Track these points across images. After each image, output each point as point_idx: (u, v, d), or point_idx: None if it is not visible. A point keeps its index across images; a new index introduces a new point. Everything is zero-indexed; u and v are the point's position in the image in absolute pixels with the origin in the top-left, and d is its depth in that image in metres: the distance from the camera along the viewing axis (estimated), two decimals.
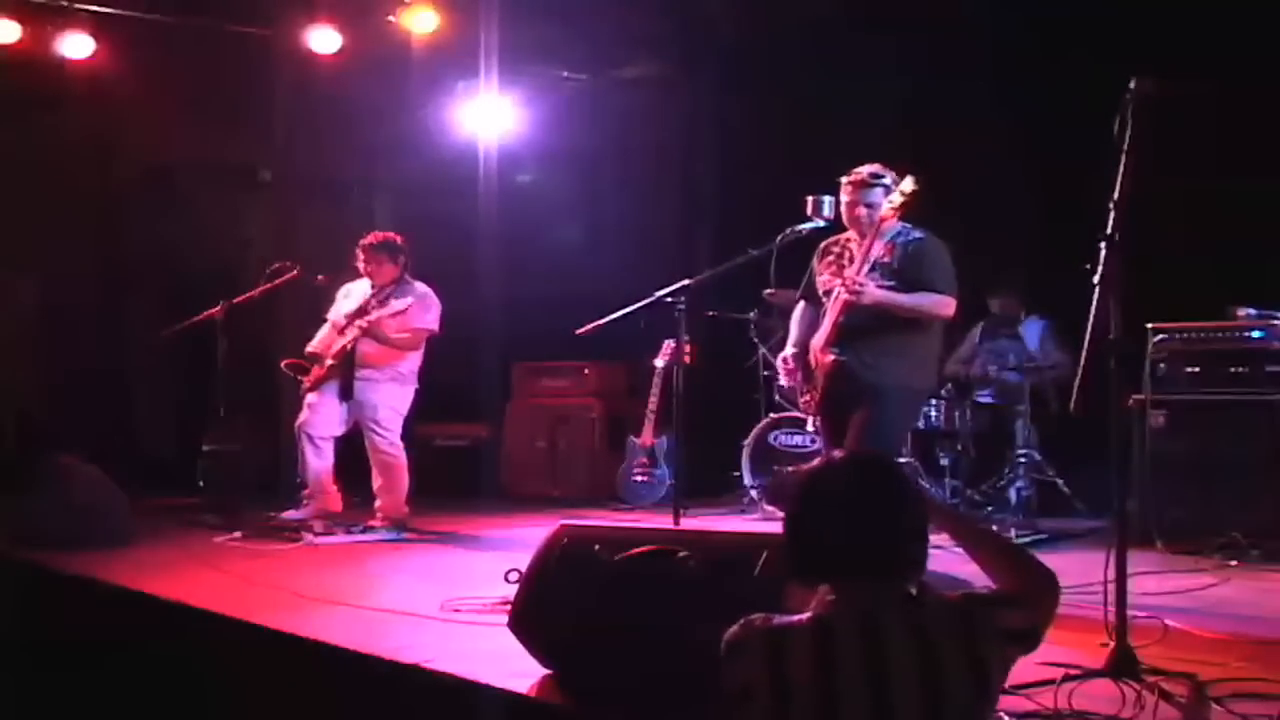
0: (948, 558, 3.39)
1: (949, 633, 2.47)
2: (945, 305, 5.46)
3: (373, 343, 7.69)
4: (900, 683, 2.41)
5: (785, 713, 2.45)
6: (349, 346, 7.73)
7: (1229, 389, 6.67)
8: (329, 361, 7.79)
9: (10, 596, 6.24)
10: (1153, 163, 4.02)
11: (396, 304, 7.67)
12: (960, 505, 7.79)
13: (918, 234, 5.53)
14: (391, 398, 7.79)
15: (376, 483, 7.75)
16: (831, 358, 5.53)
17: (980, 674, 2.47)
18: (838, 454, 2.73)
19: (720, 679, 2.57)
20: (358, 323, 7.69)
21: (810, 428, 8.04)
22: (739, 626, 2.58)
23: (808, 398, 5.74)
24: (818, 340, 5.64)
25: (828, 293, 5.66)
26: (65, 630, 5.92)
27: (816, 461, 2.73)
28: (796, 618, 2.55)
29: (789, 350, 5.86)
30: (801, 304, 5.92)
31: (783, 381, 6.08)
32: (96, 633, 5.80)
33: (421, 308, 7.79)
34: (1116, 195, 3.98)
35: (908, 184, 5.40)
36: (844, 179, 5.62)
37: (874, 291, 5.38)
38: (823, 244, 5.83)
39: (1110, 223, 3.96)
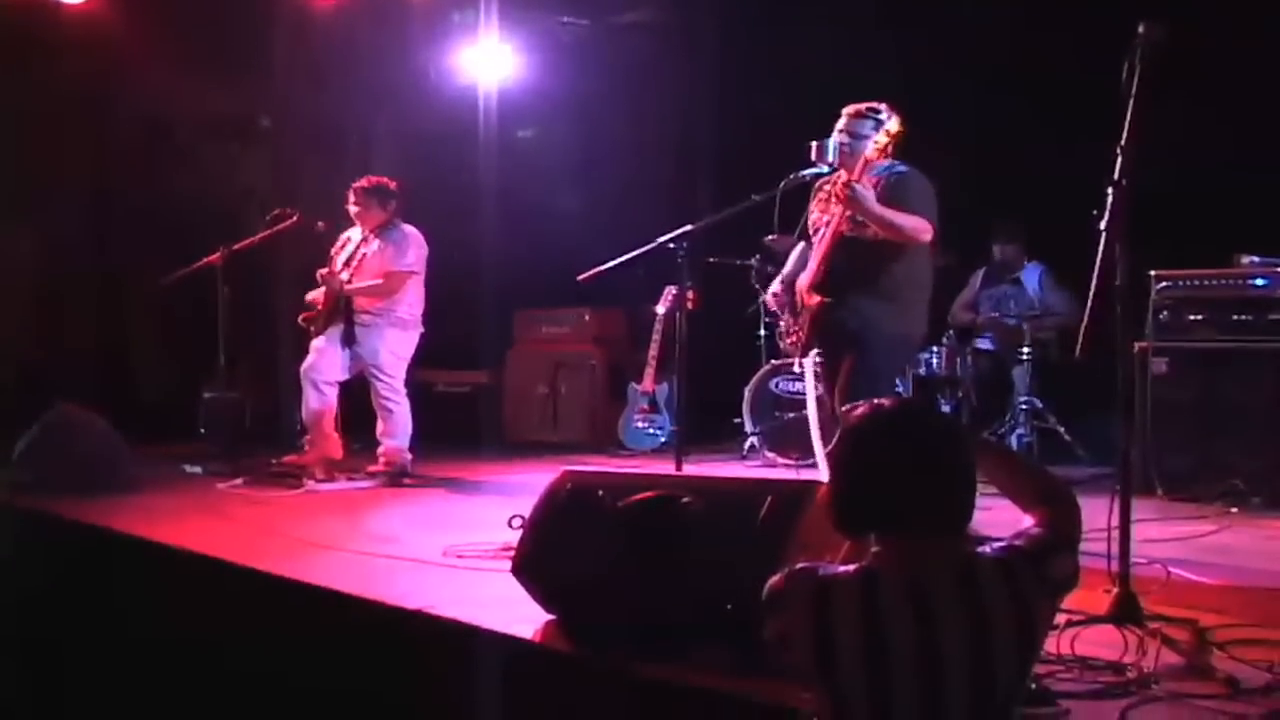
0: None
1: (996, 588, 2.41)
2: (923, 229, 5.38)
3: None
4: (949, 638, 2.36)
5: (830, 665, 2.39)
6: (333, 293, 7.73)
7: (1232, 336, 6.66)
8: (318, 307, 7.81)
9: (12, 544, 6.25)
10: (1159, 108, 3.99)
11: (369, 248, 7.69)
12: None
13: (902, 167, 5.51)
14: (392, 342, 7.76)
15: (379, 428, 7.75)
16: (818, 300, 5.53)
17: (1027, 628, 2.43)
18: (885, 402, 2.61)
19: (760, 627, 2.50)
20: (320, 273, 7.71)
21: (796, 368, 8.05)
22: (783, 576, 2.50)
23: (793, 337, 5.74)
24: (805, 280, 5.63)
25: (817, 230, 5.67)
26: (68, 578, 5.94)
27: (863, 409, 2.60)
28: (843, 569, 2.49)
29: (775, 285, 5.92)
30: (801, 244, 5.92)
31: (768, 301, 6.13)
32: (99, 580, 5.82)
33: (397, 251, 7.74)
34: (1124, 140, 3.96)
35: (893, 123, 5.40)
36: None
37: (863, 192, 5.31)
38: (818, 183, 5.81)
39: (1118, 168, 3.94)
